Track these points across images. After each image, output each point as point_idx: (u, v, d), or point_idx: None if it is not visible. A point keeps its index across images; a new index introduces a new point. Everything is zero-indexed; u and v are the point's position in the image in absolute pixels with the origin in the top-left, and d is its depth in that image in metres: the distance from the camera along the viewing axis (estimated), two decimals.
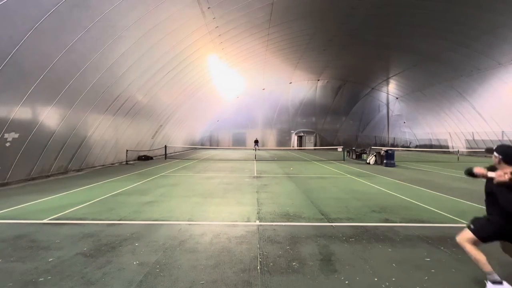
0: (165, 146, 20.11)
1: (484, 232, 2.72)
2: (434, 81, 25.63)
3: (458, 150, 23.90)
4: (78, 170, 11.80)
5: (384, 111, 37.64)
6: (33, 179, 9.35)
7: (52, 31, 7.39)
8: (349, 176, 11.11)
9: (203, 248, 3.78)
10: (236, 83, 26.34)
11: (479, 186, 9.63)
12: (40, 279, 2.93)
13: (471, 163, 17.75)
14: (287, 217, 5.28)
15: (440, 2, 14.79)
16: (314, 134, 37.09)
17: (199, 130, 32.91)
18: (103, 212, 5.55)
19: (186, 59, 15.11)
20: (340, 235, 4.31)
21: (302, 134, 36.90)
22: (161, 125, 19.78)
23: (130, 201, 6.40)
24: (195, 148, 31.03)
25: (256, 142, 33.06)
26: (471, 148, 25.90)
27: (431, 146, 32.64)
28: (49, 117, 9.18)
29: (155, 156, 19.97)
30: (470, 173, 2.80)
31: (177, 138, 25.18)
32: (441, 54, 20.91)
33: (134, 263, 3.33)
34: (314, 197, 7.01)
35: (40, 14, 6.77)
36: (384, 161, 14.98)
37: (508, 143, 21.61)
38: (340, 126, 37.50)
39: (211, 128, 34.73)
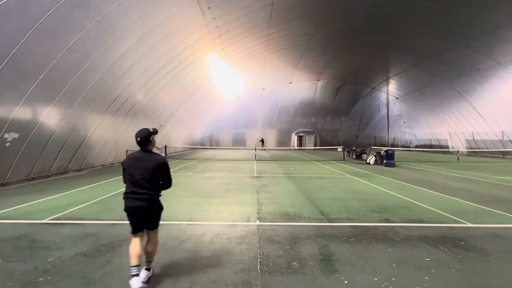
0: (165, 146, 20.10)
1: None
2: (434, 81, 25.63)
3: (458, 150, 23.89)
4: (78, 170, 11.80)
5: (384, 111, 37.62)
6: (33, 179, 9.34)
7: (52, 31, 7.39)
8: (349, 176, 11.11)
9: (203, 248, 3.78)
10: (236, 83, 26.33)
11: (479, 186, 9.64)
12: (40, 279, 2.92)
13: (471, 163, 17.75)
14: (287, 217, 5.27)
15: (440, 2, 14.79)
16: (314, 134, 37.08)
17: (199, 130, 32.90)
18: (103, 212, 5.55)
19: (186, 59, 15.11)
20: (340, 235, 4.31)
21: (302, 134, 36.89)
22: (161, 125, 19.78)
23: None
24: (195, 148, 31.03)
25: (262, 141, 33.14)
26: (471, 148, 25.90)
27: (431, 146, 32.63)
28: (49, 117, 9.18)
29: None
30: None
31: (177, 138, 25.18)
32: (441, 54, 20.91)
33: None
34: (314, 197, 7.01)
35: (40, 14, 6.76)
36: (384, 161, 14.97)
37: (508, 143, 21.68)
38: (340, 126, 37.49)
39: (211, 128, 34.73)
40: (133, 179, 2.76)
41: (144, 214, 2.81)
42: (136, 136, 2.81)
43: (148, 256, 2.90)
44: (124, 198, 2.81)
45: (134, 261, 2.73)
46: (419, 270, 3.18)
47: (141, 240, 2.88)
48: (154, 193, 2.81)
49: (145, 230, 2.92)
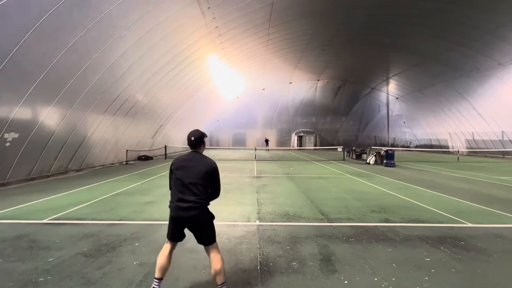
0: (165, 146, 20.11)
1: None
2: (434, 81, 25.63)
3: (458, 150, 23.89)
4: (78, 170, 11.80)
5: (384, 111, 37.63)
6: (33, 179, 9.34)
7: (52, 31, 7.39)
8: (349, 176, 11.11)
9: (203, 248, 3.76)
10: (236, 83, 26.34)
11: (479, 186, 9.62)
12: (40, 279, 2.92)
13: (471, 163, 17.75)
14: (287, 217, 5.27)
15: (440, 2, 14.79)
16: (314, 134, 37.07)
17: None
18: (103, 212, 5.55)
19: (186, 59, 15.11)
20: (340, 235, 4.30)
21: (302, 134, 36.89)
22: (161, 125, 19.78)
23: (130, 201, 6.40)
24: None
25: (267, 142, 33.31)
26: (471, 148, 25.90)
27: (431, 146, 32.63)
28: (49, 117, 9.18)
29: (155, 156, 19.96)
30: None
31: (177, 138, 25.17)
32: (441, 54, 20.91)
33: (134, 263, 3.33)
34: (314, 197, 7.01)
35: (40, 14, 6.76)
36: (384, 161, 14.97)
37: (508, 143, 21.67)
38: (340, 126, 37.49)
39: (211, 128, 34.72)
40: (181, 183, 2.51)
41: (193, 225, 2.56)
42: (190, 136, 2.63)
43: (218, 277, 2.53)
44: (170, 206, 2.57)
45: (158, 273, 2.53)
46: (419, 270, 3.18)
47: (173, 249, 2.64)
48: (204, 201, 2.54)
49: (177, 244, 2.69)
